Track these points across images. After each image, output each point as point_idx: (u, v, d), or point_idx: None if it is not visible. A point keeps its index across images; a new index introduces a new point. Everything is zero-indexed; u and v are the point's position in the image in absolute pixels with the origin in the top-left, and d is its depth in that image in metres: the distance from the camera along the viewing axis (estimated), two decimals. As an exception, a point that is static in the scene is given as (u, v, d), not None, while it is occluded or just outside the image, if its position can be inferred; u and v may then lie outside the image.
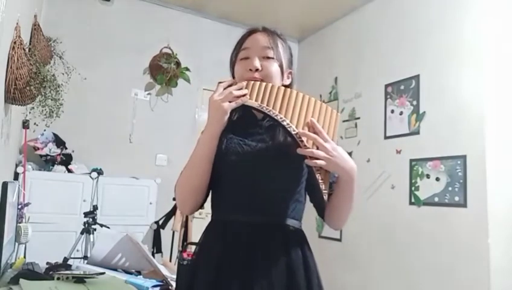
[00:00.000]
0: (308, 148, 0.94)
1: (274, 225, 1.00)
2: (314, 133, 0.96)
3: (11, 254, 1.72)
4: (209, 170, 1.02)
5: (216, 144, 1.01)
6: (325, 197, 0.95)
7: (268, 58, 1.07)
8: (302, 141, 0.95)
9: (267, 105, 0.98)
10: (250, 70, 1.05)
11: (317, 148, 0.94)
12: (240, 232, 0.99)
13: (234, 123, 1.09)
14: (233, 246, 0.98)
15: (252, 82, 1.01)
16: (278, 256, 0.97)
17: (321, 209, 1.06)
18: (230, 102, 0.97)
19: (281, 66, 1.09)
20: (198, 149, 1.02)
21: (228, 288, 0.94)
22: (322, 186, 0.94)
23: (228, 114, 0.98)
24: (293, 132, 0.96)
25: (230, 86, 1.00)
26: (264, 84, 1.01)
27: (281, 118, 0.97)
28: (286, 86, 1.09)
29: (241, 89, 0.99)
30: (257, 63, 1.05)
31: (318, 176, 0.94)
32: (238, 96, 0.98)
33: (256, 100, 0.99)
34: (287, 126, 0.96)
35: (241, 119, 1.11)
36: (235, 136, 1.05)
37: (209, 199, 1.10)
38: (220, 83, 1.01)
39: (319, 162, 0.92)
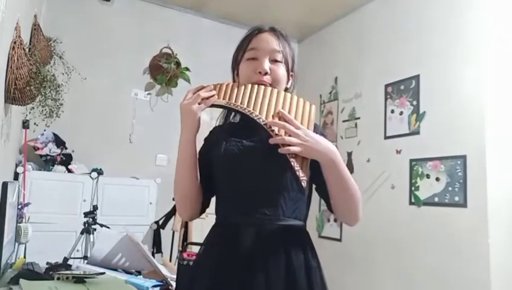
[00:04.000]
0: (280, 136, 0.93)
1: (275, 226, 0.99)
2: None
3: (11, 254, 1.72)
4: (194, 175, 1.03)
5: (194, 148, 1.02)
6: (304, 183, 0.91)
7: (276, 61, 1.06)
8: (273, 131, 0.94)
9: (235, 102, 0.99)
10: (259, 72, 1.04)
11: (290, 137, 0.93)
12: (241, 233, 0.98)
13: (233, 127, 1.10)
14: (233, 247, 0.97)
15: (220, 84, 1.02)
16: (278, 257, 0.96)
17: (329, 204, 1.04)
18: (199, 104, 0.99)
19: (287, 70, 1.09)
20: (178, 156, 1.03)
21: (228, 289, 0.94)
22: (299, 173, 0.91)
23: (198, 116, 1.00)
24: (262, 123, 0.95)
25: (199, 90, 1.01)
26: (231, 84, 1.02)
27: (248, 110, 0.97)
28: (286, 89, 1.09)
29: (209, 91, 1.00)
30: (267, 66, 1.05)
31: (294, 163, 0.92)
32: (207, 98, 0.99)
33: (224, 99, 1.00)
34: (255, 118, 0.96)
35: (240, 122, 1.11)
36: (234, 139, 1.05)
37: (212, 201, 1.10)
38: (190, 89, 1.02)
39: (292, 148, 0.91)
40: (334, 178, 0.97)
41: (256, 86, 1.00)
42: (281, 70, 1.07)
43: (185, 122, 1.00)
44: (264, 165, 1.01)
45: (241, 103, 0.98)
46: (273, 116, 0.96)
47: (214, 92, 1.00)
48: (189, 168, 1.02)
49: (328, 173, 0.97)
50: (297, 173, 0.92)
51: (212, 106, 1.00)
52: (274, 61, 1.06)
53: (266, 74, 1.04)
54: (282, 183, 1.01)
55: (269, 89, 1.00)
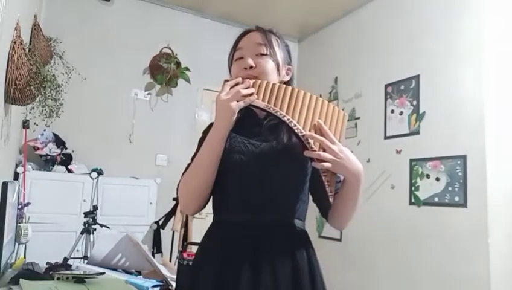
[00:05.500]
0: (315, 150, 0.93)
1: (278, 225, 0.99)
2: (321, 135, 0.95)
3: (11, 254, 1.71)
4: (215, 171, 1.01)
5: (223, 145, 0.99)
6: (331, 199, 0.94)
7: (262, 55, 1.06)
8: (309, 143, 0.94)
9: (274, 105, 0.96)
10: (245, 68, 1.04)
11: (324, 150, 0.93)
12: (244, 232, 0.98)
13: (237, 122, 1.09)
14: (237, 246, 0.97)
15: (259, 81, 0.99)
16: (283, 256, 0.96)
17: (324, 209, 1.05)
18: (238, 101, 0.96)
19: (276, 63, 1.07)
20: (205, 150, 1.00)
21: (233, 288, 0.94)
22: (328, 189, 0.93)
23: (236, 114, 0.96)
24: (300, 134, 0.94)
25: (236, 84, 0.98)
26: (271, 83, 0.99)
27: (288, 119, 0.95)
28: (286, 83, 1.08)
29: (248, 88, 0.97)
30: (250, 61, 1.04)
31: (324, 178, 0.93)
32: (246, 96, 0.96)
33: (263, 100, 0.97)
34: (294, 128, 0.95)
35: (243, 118, 1.10)
36: (239, 136, 1.04)
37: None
38: (226, 81, 0.99)
39: (326, 164, 0.92)
40: (351, 195, 0.99)
41: (296, 90, 0.98)
42: (268, 63, 1.06)
43: (222, 118, 0.97)
44: (269, 165, 1.01)
45: (280, 107, 0.96)
46: (309, 128, 0.96)
47: (253, 90, 0.97)
48: (214, 165, 1.00)
49: (349, 189, 0.98)
50: (327, 187, 0.93)
51: (250, 105, 0.98)
52: (260, 55, 1.06)
53: (252, 68, 1.04)
54: (286, 184, 1.01)
55: (308, 95, 0.98)
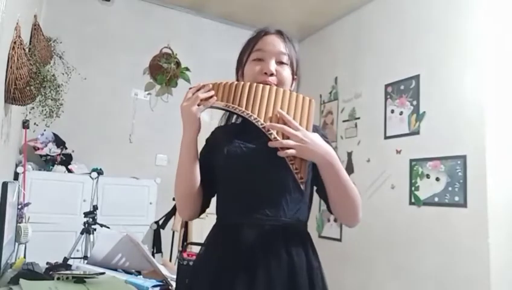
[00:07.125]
0: (278, 140, 0.94)
1: (277, 227, 0.99)
2: (284, 124, 0.95)
3: (11, 254, 1.72)
4: (195, 175, 1.03)
5: (195, 149, 1.03)
6: (302, 186, 0.94)
7: (282, 63, 1.07)
8: (271, 134, 0.94)
9: (233, 103, 0.99)
10: (265, 73, 1.05)
11: (288, 138, 0.94)
12: (243, 234, 0.98)
13: (236, 128, 1.10)
14: (235, 248, 0.98)
15: (218, 83, 1.01)
16: (280, 258, 0.96)
17: (329, 204, 1.05)
18: (198, 105, 0.99)
19: (292, 73, 1.09)
20: (180, 156, 1.04)
21: (230, 289, 0.94)
22: (298, 176, 0.93)
23: (198, 117, 1.00)
24: (260, 126, 0.96)
25: (199, 90, 1.01)
26: (229, 82, 1.01)
27: (247, 113, 0.97)
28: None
29: (208, 91, 1.00)
30: (273, 67, 1.05)
31: (292, 166, 0.93)
32: (206, 99, 0.99)
33: (222, 100, 1.00)
34: (254, 121, 0.96)
35: (243, 123, 1.11)
36: (237, 140, 1.05)
37: (213, 202, 1.11)
38: (190, 88, 1.02)
39: (289, 151, 0.92)
40: (331, 180, 0.98)
41: (254, 85, 1.00)
42: (286, 72, 1.07)
43: (186, 124, 1.01)
44: (267, 167, 1.01)
45: (239, 104, 0.98)
46: (271, 118, 0.96)
47: (212, 93, 1.00)
48: (191, 169, 1.03)
49: (325, 174, 0.98)
50: (296, 175, 0.93)
51: (212, 107, 1.00)
52: (280, 63, 1.07)
53: (272, 75, 1.05)
54: (284, 185, 1.01)
55: (267, 87, 1.00)
